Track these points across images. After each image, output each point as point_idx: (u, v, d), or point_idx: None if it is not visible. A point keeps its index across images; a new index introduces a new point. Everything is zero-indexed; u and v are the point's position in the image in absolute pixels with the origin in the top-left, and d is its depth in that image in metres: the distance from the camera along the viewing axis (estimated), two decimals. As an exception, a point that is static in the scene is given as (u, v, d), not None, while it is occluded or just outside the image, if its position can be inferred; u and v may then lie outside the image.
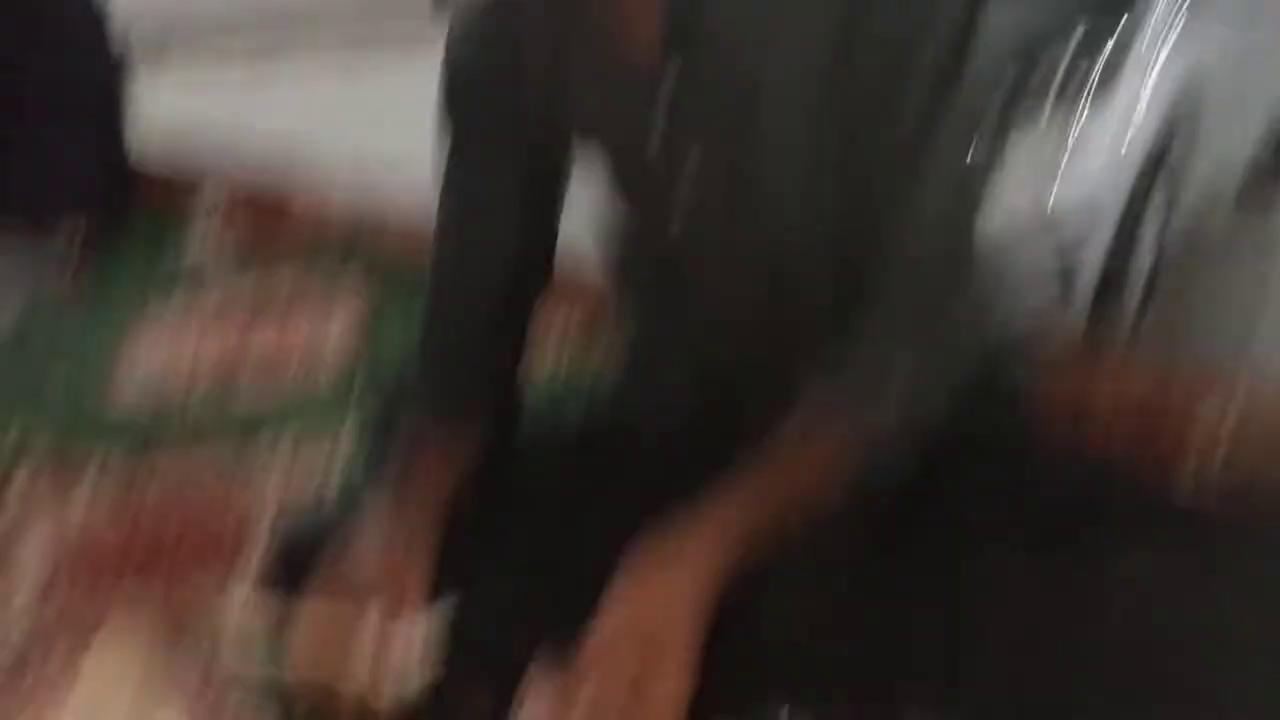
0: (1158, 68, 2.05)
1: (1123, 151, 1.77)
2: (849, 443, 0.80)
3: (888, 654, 0.81)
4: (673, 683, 0.72)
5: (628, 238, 0.96)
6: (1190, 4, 2.14)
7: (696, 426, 0.95)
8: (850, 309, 0.84)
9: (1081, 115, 1.66)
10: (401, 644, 0.78)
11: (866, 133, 0.80)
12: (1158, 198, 2.10)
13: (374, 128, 2.31)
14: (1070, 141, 1.68)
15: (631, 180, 0.90)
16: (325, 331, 1.87)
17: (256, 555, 1.18)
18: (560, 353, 1.63)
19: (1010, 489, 0.89)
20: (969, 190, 0.86)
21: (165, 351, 1.79)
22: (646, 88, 0.82)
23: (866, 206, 0.83)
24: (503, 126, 0.90)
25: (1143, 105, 1.94)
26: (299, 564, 0.90)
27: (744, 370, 0.94)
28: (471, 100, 0.90)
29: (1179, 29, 2.11)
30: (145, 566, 1.24)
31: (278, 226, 2.15)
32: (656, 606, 0.73)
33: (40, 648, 1.07)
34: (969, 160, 0.83)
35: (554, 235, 0.96)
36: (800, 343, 0.88)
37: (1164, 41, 2.06)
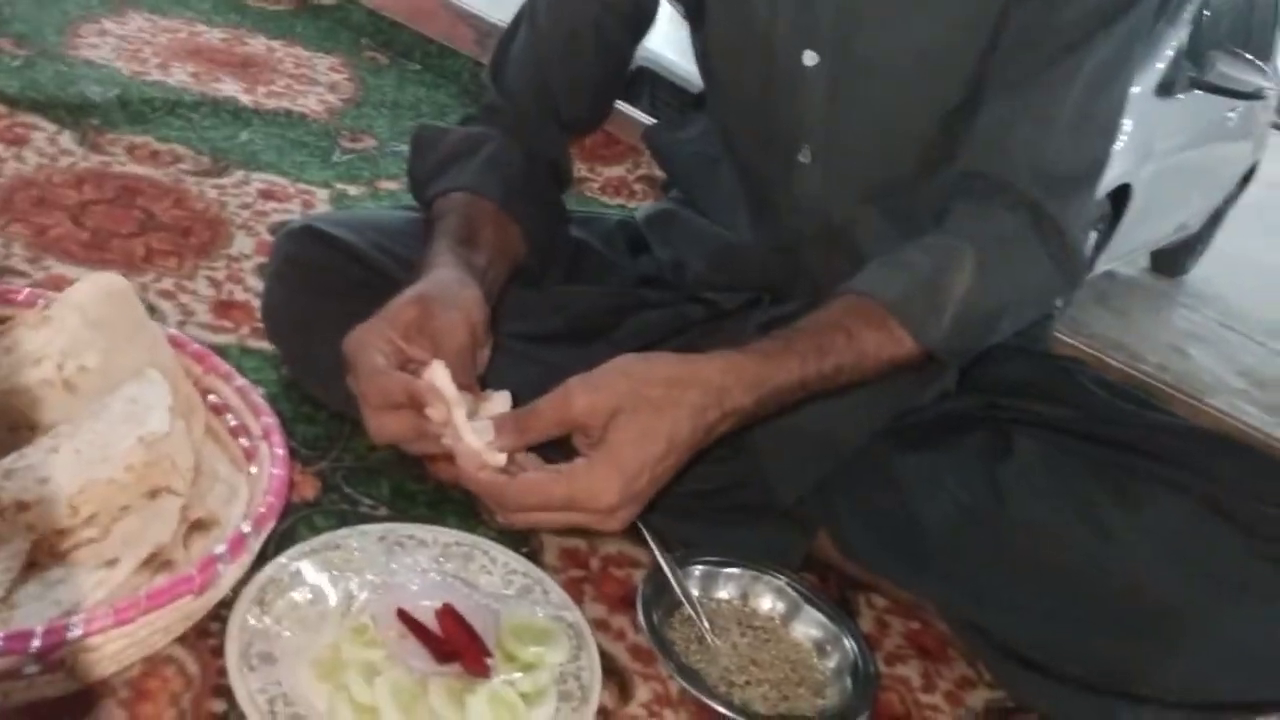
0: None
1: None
2: (902, 343, 0.83)
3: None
4: (644, 445, 0.72)
5: (731, 74, 1.00)
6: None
7: (743, 285, 1.03)
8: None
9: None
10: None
11: (1027, 20, 0.84)
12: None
13: None
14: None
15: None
16: (314, 65, 1.84)
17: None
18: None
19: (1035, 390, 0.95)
20: (1117, 108, 0.88)
21: (131, 33, 1.74)
22: None
23: (1003, 89, 0.86)
24: None
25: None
26: (315, 267, 0.94)
27: (809, 242, 1.01)
28: None
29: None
30: (97, 244, 1.16)
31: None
32: (657, 383, 0.74)
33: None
34: (1125, 75, 0.87)
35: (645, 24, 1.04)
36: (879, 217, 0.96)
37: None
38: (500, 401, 0.77)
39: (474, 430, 0.73)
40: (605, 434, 0.72)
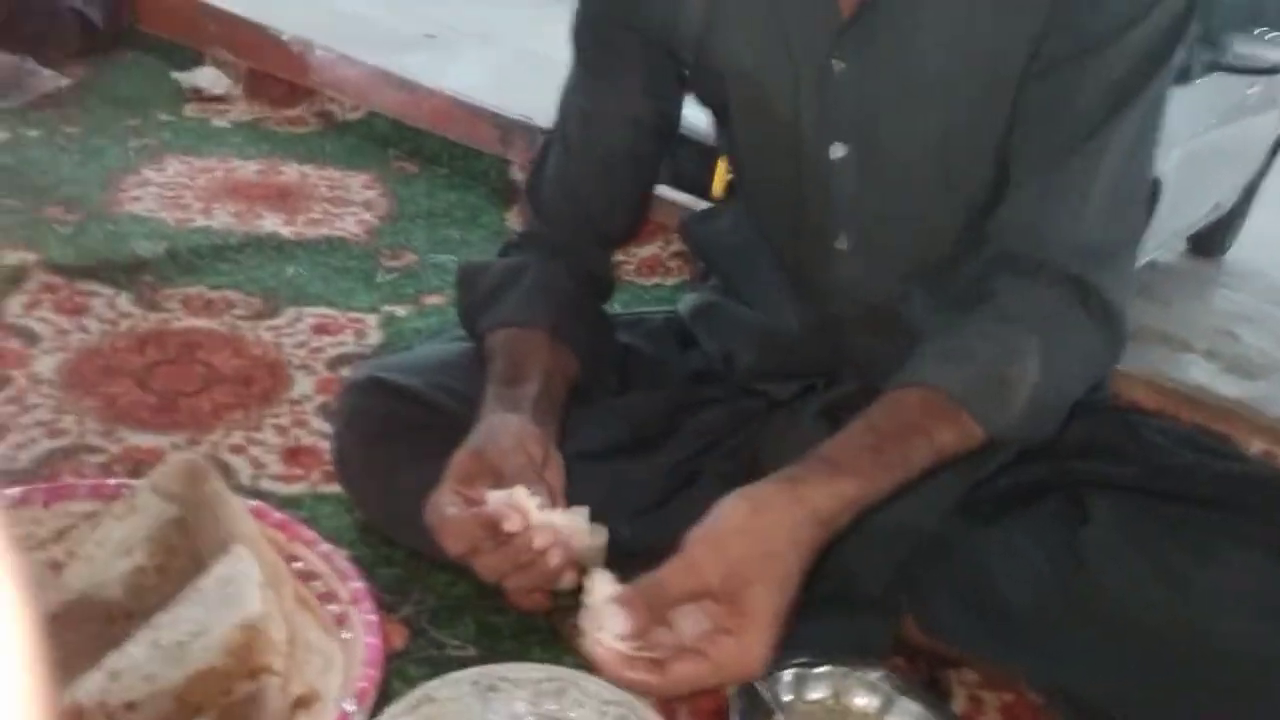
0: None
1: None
2: (973, 436, 0.84)
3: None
4: (780, 601, 0.72)
5: (756, 175, 1.03)
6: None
7: (794, 372, 1.05)
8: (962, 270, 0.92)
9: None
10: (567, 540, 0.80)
11: (1048, 101, 0.85)
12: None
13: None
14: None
15: (771, 110, 0.94)
16: (347, 186, 1.89)
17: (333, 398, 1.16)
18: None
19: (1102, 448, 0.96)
20: (1146, 173, 0.89)
21: (170, 180, 1.79)
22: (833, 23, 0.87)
23: (1031, 171, 0.87)
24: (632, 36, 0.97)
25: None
26: (382, 416, 0.97)
27: (855, 324, 1.02)
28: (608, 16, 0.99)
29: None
30: (166, 407, 1.20)
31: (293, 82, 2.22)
32: (779, 536, 0.74)
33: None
34: (1152, 139, 0.87)
35: (666, 145, 1.06)
36: (914, 305, 0.98)
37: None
38: (580, 518, 0.81)
39: (595, 611, 0.74)
40: (741, 604, 0.72)
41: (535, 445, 0.85)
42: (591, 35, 1.00)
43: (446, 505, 0.80)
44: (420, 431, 0.96)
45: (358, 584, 0.82)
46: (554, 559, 0.80)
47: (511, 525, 0.78)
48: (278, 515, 0.88)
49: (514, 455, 0.83)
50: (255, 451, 1.15)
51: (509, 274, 1.01)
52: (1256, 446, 1.60)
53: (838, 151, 0.93)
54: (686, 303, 1.16)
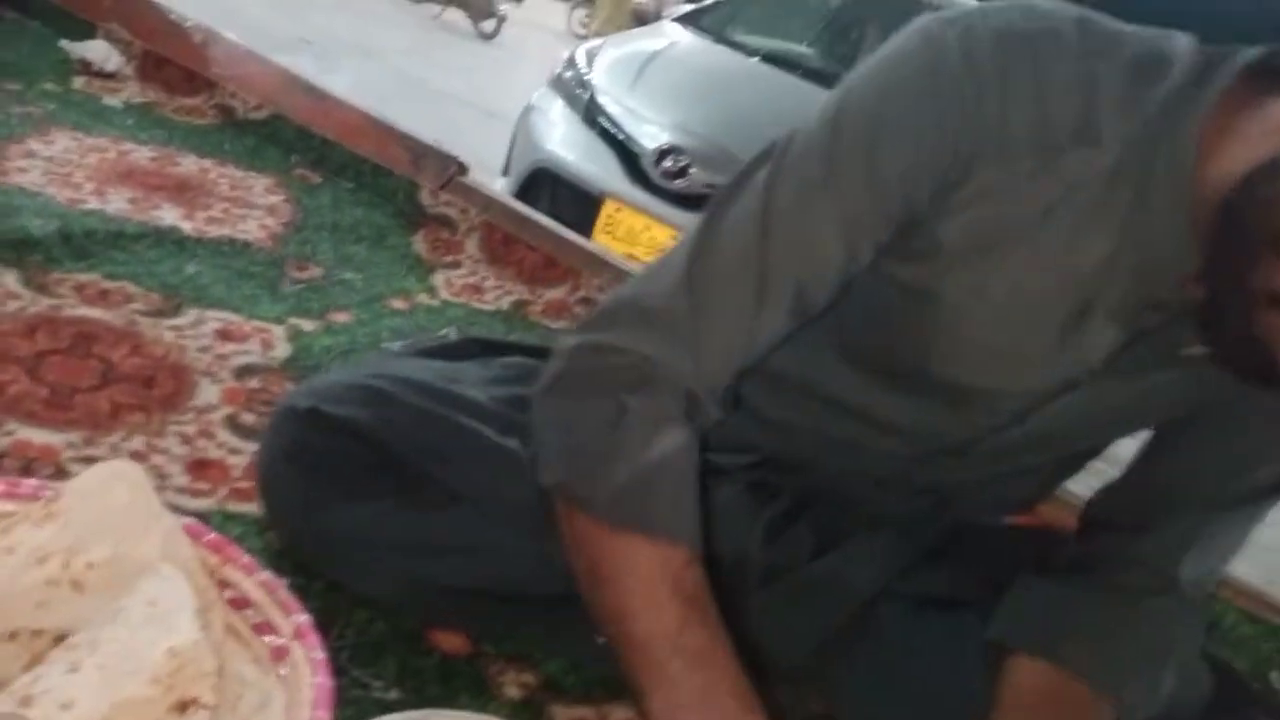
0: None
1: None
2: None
3: None
4: None
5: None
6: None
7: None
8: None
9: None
10: None
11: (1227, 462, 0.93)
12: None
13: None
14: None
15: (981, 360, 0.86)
16: (249, 186, 1.80)
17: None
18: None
19: None
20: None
21: (59, 155, 1.66)
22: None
23: (1188, 511, 0.94)
24: None
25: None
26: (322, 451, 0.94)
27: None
28: None
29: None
30: (59, 402, 1.11)
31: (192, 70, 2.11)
32: None
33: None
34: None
35: None
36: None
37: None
38: None
39: None
40: None
41: None
42: (868, 178, 0.78)
43: None
44: (365, 471, 0.93)
45: (302, 617, 0.77)
46: None
47: None
48: (213, 535, 0.82)
49: None
50: (157, 459, 1.07)
51: (682, 465, 0.80)
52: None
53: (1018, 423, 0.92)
54: None
